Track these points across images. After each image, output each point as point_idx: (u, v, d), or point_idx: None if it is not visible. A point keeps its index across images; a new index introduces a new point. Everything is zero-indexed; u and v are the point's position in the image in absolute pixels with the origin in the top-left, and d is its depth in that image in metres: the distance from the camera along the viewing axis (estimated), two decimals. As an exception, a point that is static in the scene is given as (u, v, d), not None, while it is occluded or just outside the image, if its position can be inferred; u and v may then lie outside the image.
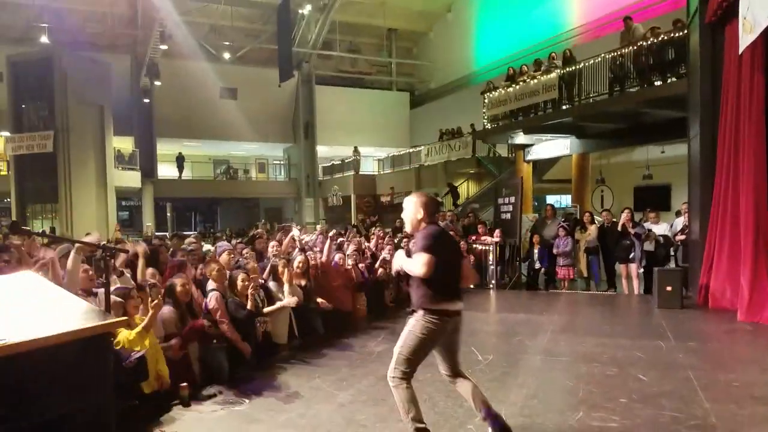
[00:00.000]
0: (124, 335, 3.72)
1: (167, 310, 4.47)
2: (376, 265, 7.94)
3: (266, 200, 30.34)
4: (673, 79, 9.42)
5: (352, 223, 22.50)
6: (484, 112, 14.35)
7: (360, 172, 25.50)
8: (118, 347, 3.59)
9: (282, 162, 29.49)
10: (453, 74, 25.48)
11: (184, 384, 4.09)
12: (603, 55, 10.82)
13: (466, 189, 19.80)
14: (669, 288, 7.18)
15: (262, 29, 25.57)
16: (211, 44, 24.49)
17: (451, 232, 10.13)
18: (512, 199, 10.04)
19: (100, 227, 17.73)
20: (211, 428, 3.72)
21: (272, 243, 7.05)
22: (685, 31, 8.92)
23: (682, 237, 8.23)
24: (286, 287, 5.73)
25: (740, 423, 3.53)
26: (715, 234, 7.27)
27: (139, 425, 3.65)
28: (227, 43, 24.84)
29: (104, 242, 5.58)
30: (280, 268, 5.85)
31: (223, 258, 5.73)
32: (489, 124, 14.35)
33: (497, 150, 18.29)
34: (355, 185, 24.97)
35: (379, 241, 9.13)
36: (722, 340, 5.93)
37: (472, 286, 9.56)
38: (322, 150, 27.67)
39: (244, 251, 6.46)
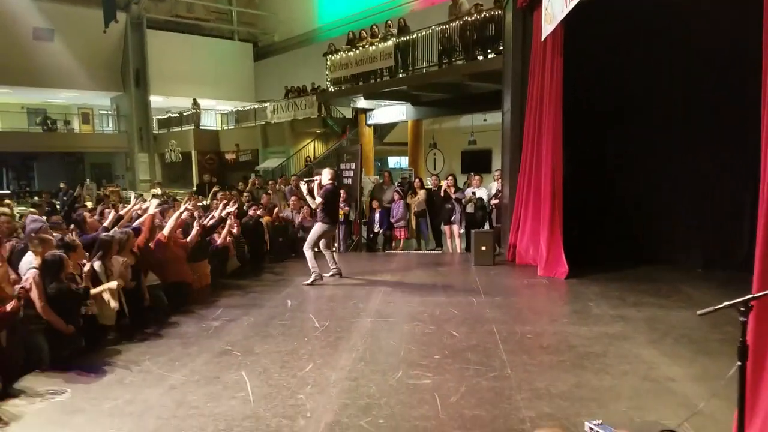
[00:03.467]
0: None
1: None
2: (222, 235, 7.67)
3: (92, 155, 27.25)
4: (493, 54, 10.33)
5: (194, 182, 21.47)
6: (327, 74, 14.43)
7: (201, 127, 24.11)
8: None
9: (110, 112, 26.65)
10: (297, 29, 24.86)
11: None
12: (433, 27, 11.46)
13: (313, 149, 19.84)
14: (483, 247, 8.15)
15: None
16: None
17: (294, 198, 10.37)
18: (353, 165, 10.40)
19: None
20: (29, 423, 3.51)
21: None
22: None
23: (496, 201, 9.30)
24: (117, 263, 5.43)
25: (530, 371, 4.17)
26: (521, 198, 8.28)
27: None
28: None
29: None
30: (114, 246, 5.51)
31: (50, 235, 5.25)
32: (332, 87, 14.50)
33: (342, 112, 18.52)
34: (196, 141, 23.58)
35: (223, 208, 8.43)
36: (523, 294, 6.88)
37: (316, 250, 9.93)
38: (157, 100, 25.41)
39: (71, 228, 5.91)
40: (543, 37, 7.32)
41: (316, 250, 7.47)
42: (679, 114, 7.85)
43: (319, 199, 7.31)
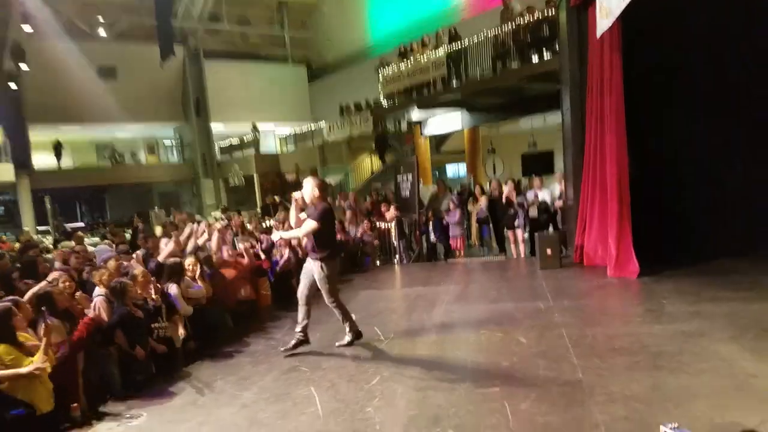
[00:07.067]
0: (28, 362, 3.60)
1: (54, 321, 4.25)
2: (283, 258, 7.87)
3: (160, 185, 28.62)
4: (549, 55, 10.06)
5: (258, 204, 22.14)
6: (380, 89, 14.57)
7: (261, 151, 24.91)
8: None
9: (173, 142, 27.95)
10: (348, 48, 25.25)
11: (75, 404, 3.92)
12: (485, 32, 11.32)
13: (370, 164, 20.02)
14: (549, 251, 7.88)
15: (140, 4, 23.90)
16: (85, 21, 22.55)
17: (350, 212, 10.50)
18: (410, 177, 10.40)
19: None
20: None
21: (164, 240, 6.87)
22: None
23: (560, 203, 8.99)
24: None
25: (602, 375, 3.99)
26: (586, 198, 7.97)
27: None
28: (102, 20, 23.00)
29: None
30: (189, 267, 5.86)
31: (111, 264, 5.57)
32: (386, 101, 14.61)
33: (398, 124, 18.56)
34: (257, 164, 24.30)
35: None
36: (593, 296, 6.60)
37: (378, 263, 10.07)
38: (217, 128, 26.46)
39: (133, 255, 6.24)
40: (599, 34, 7.07)
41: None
42: (752, 106, 7.40)
43: (311, 223, 4.87)
